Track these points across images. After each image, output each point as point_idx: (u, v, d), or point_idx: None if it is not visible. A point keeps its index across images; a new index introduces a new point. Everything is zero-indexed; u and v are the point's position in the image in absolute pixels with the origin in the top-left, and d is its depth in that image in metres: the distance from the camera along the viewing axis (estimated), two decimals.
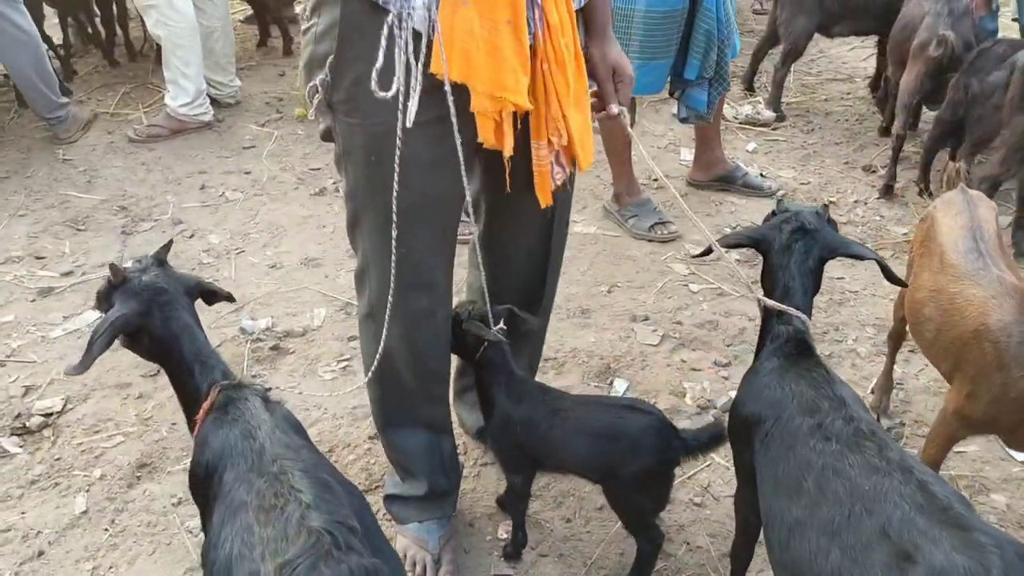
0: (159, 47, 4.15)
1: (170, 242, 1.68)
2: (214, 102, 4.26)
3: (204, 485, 1.37)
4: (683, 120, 3.35)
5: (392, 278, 1.60)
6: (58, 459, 2.29)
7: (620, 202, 3.42)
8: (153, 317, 1.47)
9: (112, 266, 1.51)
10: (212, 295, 1.64)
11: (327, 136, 1.60)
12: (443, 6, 1.33)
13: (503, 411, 1.84)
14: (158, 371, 2.62)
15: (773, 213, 1.78)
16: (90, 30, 5.03)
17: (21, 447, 2.33)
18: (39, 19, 4.36)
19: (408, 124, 1.39)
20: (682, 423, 2.41)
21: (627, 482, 1.79)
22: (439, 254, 1.69)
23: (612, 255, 3.22)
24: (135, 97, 4.54)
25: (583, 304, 2.92)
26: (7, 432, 2.36)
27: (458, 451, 2.08)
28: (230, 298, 1.67)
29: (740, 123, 4.28)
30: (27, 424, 2.38)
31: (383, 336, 1.67)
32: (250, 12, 5.42)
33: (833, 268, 2.80)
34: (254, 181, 3.76)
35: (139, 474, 2.26)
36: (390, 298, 1.61)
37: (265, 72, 4.86)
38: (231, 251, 3.25)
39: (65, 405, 2.47)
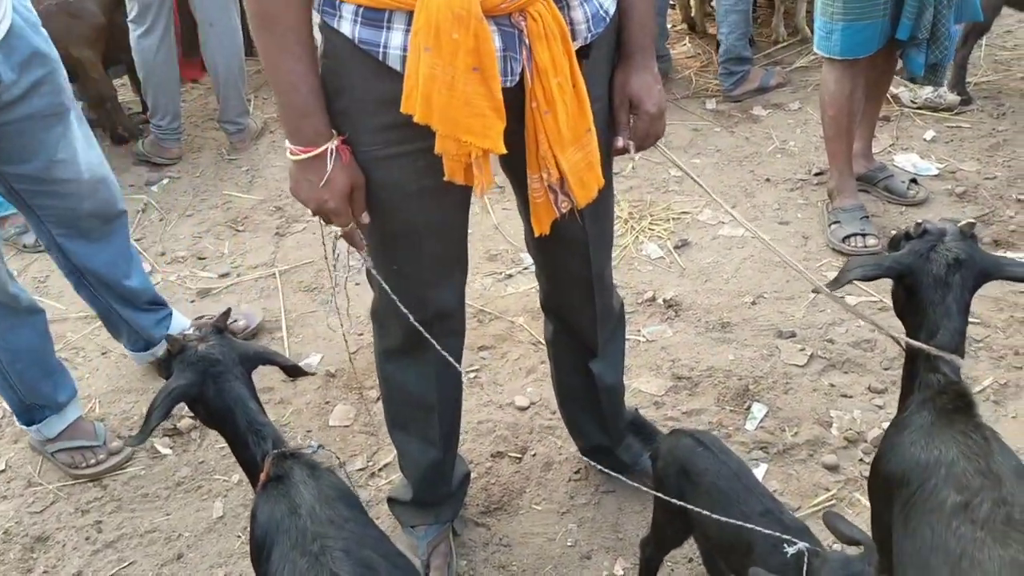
0: None
1: (228, 310, 1.72)
2: None
3: (257, 562, 1.38)
4: (910, 80, 3.11)
5: (387, 289, 1.62)
6: (202, 462, 2.43)
7: (832, 201, 3.16)
8: (207, 388, 1.49)
9: (169, 336, 1.55)
10: (280, 367, 1.65)
11: None
12: (410, 50, 1.32)
13: None
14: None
15: (907, 235, 1.56)
16: None
17: (171, 448, 2.49)
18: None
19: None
20: (826, 457, 2.23)
21: None
22: (435, 275, 1.69)
23: (760, 261, 3.01)
24: None
25: (724, 317, 2.75)
26: (160, 433, 2.52)
27: (467, 469, 2.14)
28: (294, 371, 1.67)
29: (918, 108, 3.88)
30: (177, 426, 2.53)
31: (378, 340, 1.84)
32: None
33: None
34: None
35: None
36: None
37: None
38: None
39: None
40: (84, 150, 2.28)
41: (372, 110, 1.45)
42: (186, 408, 2.53)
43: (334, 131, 1.46)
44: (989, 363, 2.48)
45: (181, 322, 2.69)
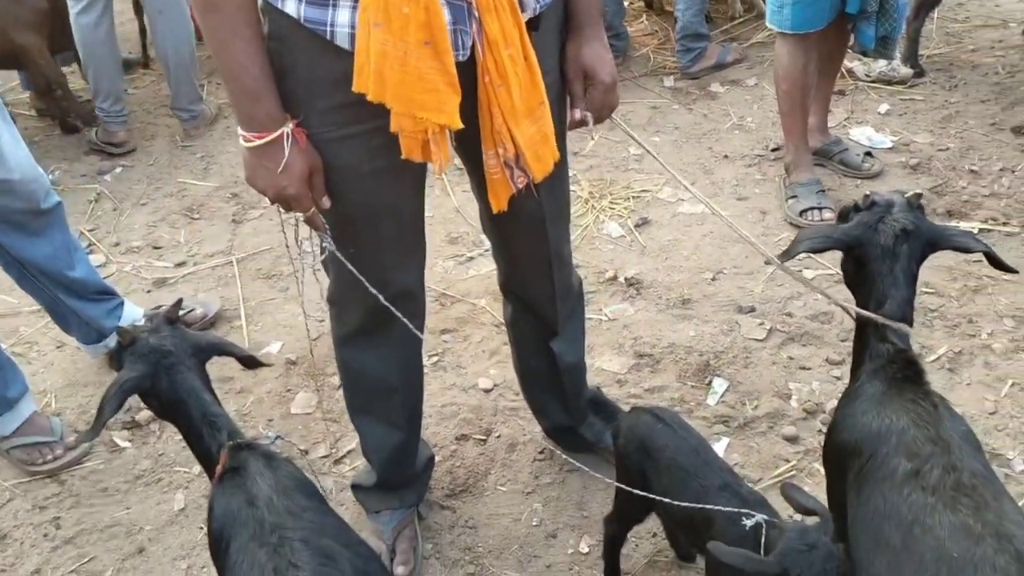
0: None
1: (180, 300, 1.70)
2: None
3: (215, 555, 1.36)
4: (862, 52, 3.18)
5: (343, 273, 1.59)
6: (162, 455, 2.39)
7: (788, 176, 3.17)
8: (160, 380, 1.47)
9: (120, 329, 1.53)
10: (235, 358, 1.63)
11: None
12: (359, 26, 1.30)
13: None
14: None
15: (856, 208, 1.57)
16: None
17: (130, 441, 2.45)
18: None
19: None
20: (785, 428, 2.26)
21: None
22: (393, 257, 1.68)
23: (720, 237, 3.03)
24: None
25: (684, 294, 2.77)
26: (118, 426, 2.48)
27: (431, 453, 2.14)
28: (249, 362, 1.65)
29: (872, 81, 3.92)
30: (136, 418, 2.49)
31: (336, 325, 1.81)
32: None
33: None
34: None
35: None
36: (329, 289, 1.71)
37: None
38: None
39: None
40: (12, 150, 2.26)
41: (321, 91, 1.43)
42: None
43: (287, 114, 1.42)
44: (944, 332, 2.52)
45: (133, 312, 2.65)
